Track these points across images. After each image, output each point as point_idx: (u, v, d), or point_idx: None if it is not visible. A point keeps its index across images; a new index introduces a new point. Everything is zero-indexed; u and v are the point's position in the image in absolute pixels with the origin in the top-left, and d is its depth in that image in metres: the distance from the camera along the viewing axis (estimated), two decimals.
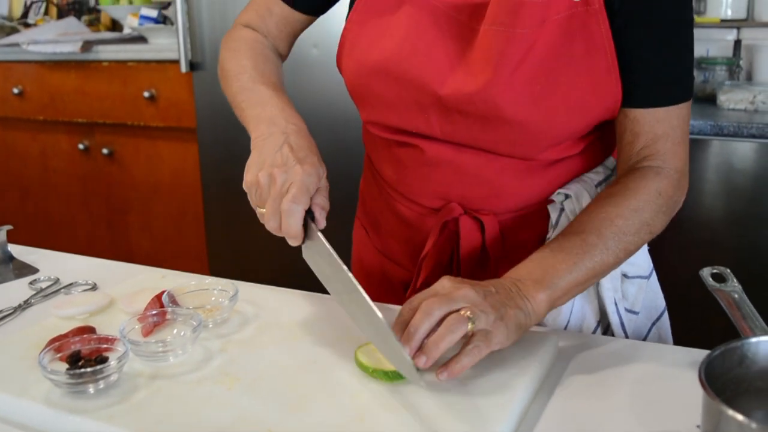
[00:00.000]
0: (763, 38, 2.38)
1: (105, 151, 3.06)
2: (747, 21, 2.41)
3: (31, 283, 1.17)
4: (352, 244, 1.28)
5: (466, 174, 1.02)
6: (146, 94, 2.85)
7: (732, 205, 1.98)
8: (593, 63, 0.93)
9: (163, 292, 0.97)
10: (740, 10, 2.41)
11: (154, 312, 0.92)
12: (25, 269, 1.25)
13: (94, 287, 1.14)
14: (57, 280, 1.17)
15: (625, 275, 1.08)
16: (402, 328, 0.81)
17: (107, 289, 1.10)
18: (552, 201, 1.05)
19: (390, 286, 1.17)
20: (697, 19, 2.42)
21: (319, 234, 0.87)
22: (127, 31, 3.16)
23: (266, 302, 1.02)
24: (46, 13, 3.82)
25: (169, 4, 3.23)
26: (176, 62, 2.68)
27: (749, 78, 2.38)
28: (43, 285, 1.15)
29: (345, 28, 1.03)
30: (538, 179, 1.04)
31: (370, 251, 1.22)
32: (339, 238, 1.07)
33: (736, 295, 0.82)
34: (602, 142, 1.07)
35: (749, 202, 1.95)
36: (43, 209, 3.37)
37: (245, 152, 0.95)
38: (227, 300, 0.96)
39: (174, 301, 0.97)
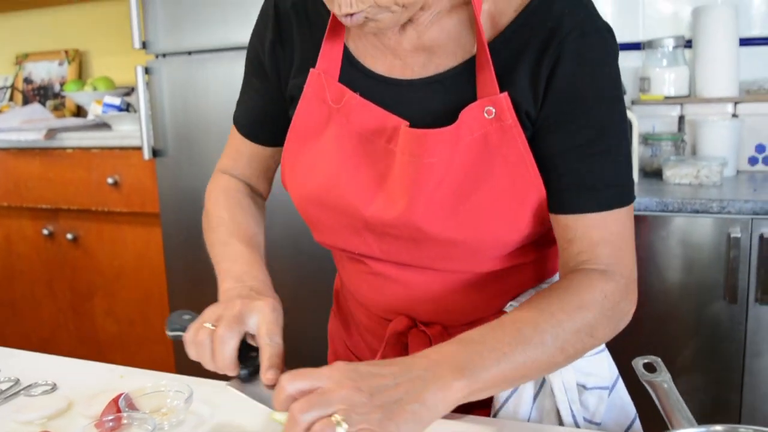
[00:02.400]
0: (704, 113, 2.48)
1: (69, 236, 3.07)
2: (689, 97, 2.52)
3: None
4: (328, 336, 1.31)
5: (412, 290, 1.04)
6: (110, 180, 2.88)
7: (683, 279, 2.04)
8: (514, 175, 0.93)
9: (120, 396, 1.00)
10: (682, 87, 2.52)
11: (110, 417, 0.94)
12: None
13: (53, 387, 1.15)
14: (17, 381, 1.18)
15: (583, 386, 1.04)
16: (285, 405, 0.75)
17: (67, 389, 1.11)
18: (504, 312, 1.03)
19: None
20: (641, 96, 2.53)
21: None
22: (91, 116, 3.21)
23: (222, 401, 1.04)
24: (11, 98, 3.87)
25: (132, 90, 3.30)
26: (139, 149, 2.72)
27: (694, 152, 2.47)
28: (3, 387, 1.16)
29: (283, 156, 1.07)
30: (486, 292, 1.04)
31: (343, 346, 1.25)
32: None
33: (666, 385, 0.86)
34: (553, 253, 1.07)
35: (699, 276, 2.02)
36: (7, 294, 3.36)
37: None
38: (182, 402, 0.99)
39: (131, 405, 0.99)
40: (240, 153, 1.19)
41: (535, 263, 1.05)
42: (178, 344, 3.11)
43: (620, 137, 0.93)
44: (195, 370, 1.37)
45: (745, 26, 2.53)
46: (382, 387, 0.75)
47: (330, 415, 0.71)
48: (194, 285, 2.66)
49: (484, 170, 0.93)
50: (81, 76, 3.75)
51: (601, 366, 1.05)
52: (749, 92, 2.50)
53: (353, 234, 1.02)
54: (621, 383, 1.10)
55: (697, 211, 1.99)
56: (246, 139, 1.18)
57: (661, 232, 2.03)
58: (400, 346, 1.08)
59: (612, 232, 0.93)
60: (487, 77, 0.92)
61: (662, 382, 0.87)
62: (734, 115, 2.47)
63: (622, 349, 2.08)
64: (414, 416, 0.74)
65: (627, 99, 2.60)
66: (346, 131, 0.99)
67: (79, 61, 3.75)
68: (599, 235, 0.92)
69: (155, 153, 2.65)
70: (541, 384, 1.04)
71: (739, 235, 1.94)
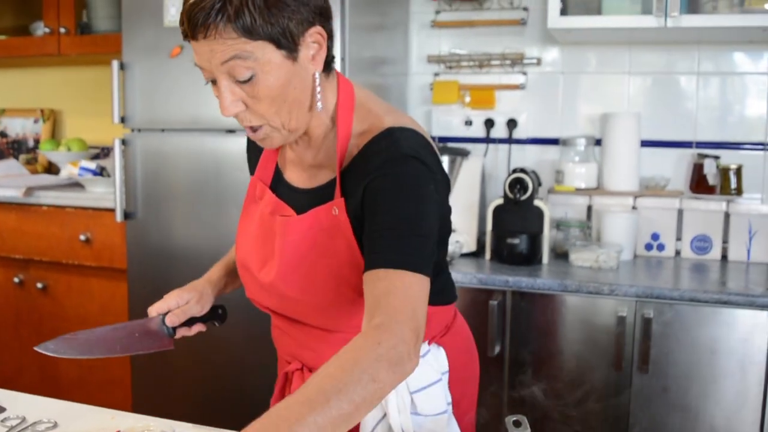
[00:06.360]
0: (609, 204, 2.87)
1: (39, 285, 3.25)
2: (597, 190, 2.91)
3: (1, 421, 1.37)
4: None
5: (296, 340, 1.43)
6: (82, 236, 3.09)
7: (580, 350, 2.39)
8: (348, 254, 1.29)
9: None
10: (592, 181, 2.91)
11: None
12: None
13: (55, 425, 1.37)
14: (24, 419, 1.38)
15: (417, 414, 1.35)
16: None
17: (66, 428, 1.35)
18: None
19: None
20: (556, 187, 2.91)
21: None
22: (64, 175, 3.44)
23: None
24: None
25: (102, 149, 3.54)
26: (112, 210, 2.95)
27: (599, 237, 2.84)
28: (13, 423, 1.37)
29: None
30: None
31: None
32: None
33: None
34: None
35: (592, 347, 2.37)
36: None
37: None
38: None
39: None
40: None
41: None
42: (137, 387, 3.33)
43: (416, 226, 1.21)
44: (149, 410, 1.66)
45: (646, 130, 2.95)
46: None
47: None
48: None
49: (328, 249, 1.32)
50: (54, 134, 4.01)
51: (436, 395, 1.36)
52: (648, 187, 2.91)
53: (259, 291, 1.43)
54: (450, 409, 1.40)
55: (591, 293, 2.36)
56: None
57: (562, 309, 2.39)
58: (289, 383, 1.47)
59: (396, 287, 1.14)
60: (338, 190, 1.31)
61: None
62: (634, 207, 2.86)
63: (529, 408, 2.42)
64: None
65: (543, 189, 2.98)
66: (259, 215, 1.43)
67: (53, 119, 4.02)
68: (384, 287, 1.14)
69: (126, 215, 2.90)
70: (382, 417, 1.37)
71: (624, 314, 2.31)
